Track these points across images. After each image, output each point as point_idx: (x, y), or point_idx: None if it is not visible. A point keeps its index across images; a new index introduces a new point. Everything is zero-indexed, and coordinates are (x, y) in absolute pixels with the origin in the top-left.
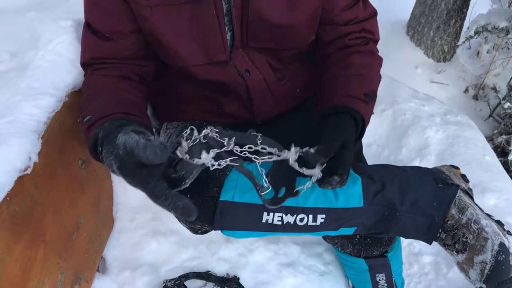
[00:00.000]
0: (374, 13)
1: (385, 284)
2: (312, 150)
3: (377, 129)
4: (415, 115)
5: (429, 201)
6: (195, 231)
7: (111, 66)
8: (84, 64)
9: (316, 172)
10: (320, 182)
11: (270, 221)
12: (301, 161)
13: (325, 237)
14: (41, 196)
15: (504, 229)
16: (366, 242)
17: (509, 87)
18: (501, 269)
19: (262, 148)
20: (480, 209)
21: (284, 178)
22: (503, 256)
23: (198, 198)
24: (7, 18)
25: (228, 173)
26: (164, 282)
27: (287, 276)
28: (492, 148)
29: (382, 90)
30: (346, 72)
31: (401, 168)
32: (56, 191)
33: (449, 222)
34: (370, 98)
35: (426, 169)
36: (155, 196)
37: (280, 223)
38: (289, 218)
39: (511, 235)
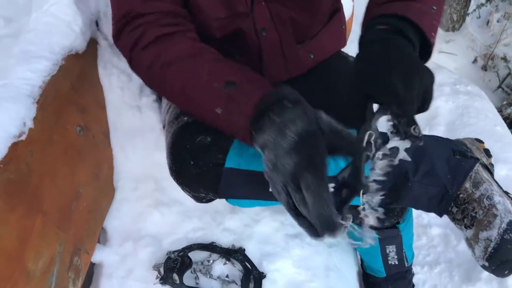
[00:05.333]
0: None
1: (395, 256)
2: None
3: None
4: None
5: (444, 172)
6: (199, 200)
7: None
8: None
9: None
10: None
11: None
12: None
13: None
14: (37, 164)
15: None
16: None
17: None
18: (506, 248)
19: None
20: (499, 185)
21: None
22: (511, 235)
23: (202, 165)
24: None
25: (233, 140)
26: (167, 254)
27: (294, 247)
28: None
29: None
30: None
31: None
32: (53, 159)
33: (461, 195)
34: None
35: (445, 139)
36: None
37: None
38: None
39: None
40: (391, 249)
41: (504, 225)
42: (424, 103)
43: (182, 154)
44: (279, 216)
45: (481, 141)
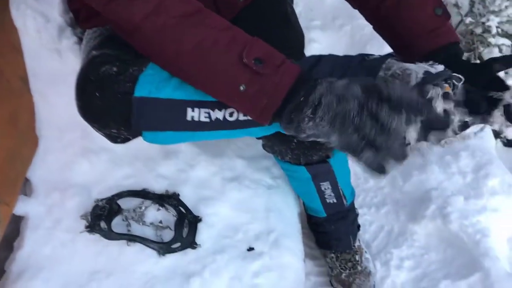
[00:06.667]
0: None
1: (332, 194)
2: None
3: (335, 46)
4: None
5: (357, 73)
6: (113, 139)
7: None
8: None
9: None
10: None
11: (196, 118)
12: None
13: (264, 146)
14: None
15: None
16: (304, 146)
17: (471, 2)
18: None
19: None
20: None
21: None
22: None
23: (108, 96)
24: None
25: (144, 68)
26: (95, 202)
27: (232, 191)
28: None
29: (339, 5)
30: None
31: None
32: None
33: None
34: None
35: (358, 54)
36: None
37: (208, 120)
38: (218, 114)
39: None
40: (326, 186)
41: (420, 75)
42: None
43: (87, 87)
44: (216, 160)
45: None
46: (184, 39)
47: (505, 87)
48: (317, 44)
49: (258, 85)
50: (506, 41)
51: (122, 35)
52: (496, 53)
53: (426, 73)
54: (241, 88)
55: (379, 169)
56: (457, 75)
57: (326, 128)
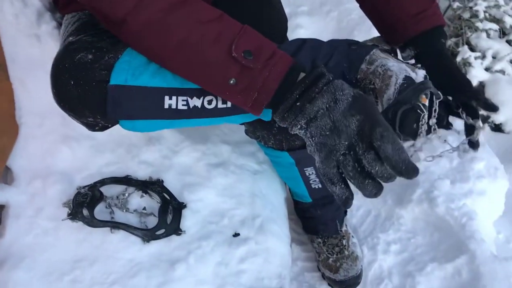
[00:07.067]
0: None
1: (317, 179)
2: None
3: (323, 32)
4: (361, 15)
5: (340, 63)
6: (91, 127)
7: None
8: None
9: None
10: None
11: (174, 106)
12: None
13: (247, 132)
14: None
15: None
16: (286, 131)
17: None
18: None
19: None
20: (400, 61)
21: None
22: (405, 85)
23: (83, 84)
24: None
25: (120, 55)
26: (77, 189)
27: (217, 176)
28: None
29: None
30: None
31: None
32: None
33: (359, 77)
34: None
35: (343, 39)
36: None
37: (186, 107)
38: (196, 102)
39: (422, 69)
40: (310, 171)
41: (400, 80)
42: None
43: (61, 75)
44: (200, 146)
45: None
46: (171, 33)
47: (474, 115)
48: (303, 30)
49: (248, 79)
50: (493, 26)
51: (108, 28)
52: (484, 38)
53: (406, 78)
54: (231, 81)
55: (345, 203)
56: (435, 91)
57: (312, 148)
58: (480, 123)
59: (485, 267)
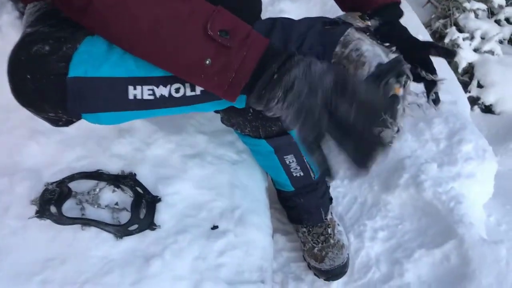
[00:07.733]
0: None
1: (298, 167)
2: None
3: (306, 15)
4: None
5: (314, 45)
6: (54, 122)
7: None
8: None
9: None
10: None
11: (139, 97)
12: None
13: (222, 120)
14: None
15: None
16: (261, 117)
17: None
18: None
19: None
20: (377, 41)
21: None
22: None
23: (40, 78)
24: None
25: (78, 45)
26: (45, 185)
27: (193, 168)
28: (430, 34)
29: None
30: None
31: (289, 18)
32: None
33: (333, 61)
34: None
35: (318, 17)
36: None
37: (152, 97)
38: (163, 90)
39: (397, 53)
40: (291, 159)
41: (372, 69)
42: None
43: (18, 69)
44: (174, 137)
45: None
46: (140, 13)
47: (433, 71)
48: (287, 14)
49: (225, 59)
50: (481, 5)
51: (72, 15)
52: (472, 18)
53: (380, 65)
54: (207, 62)
55: (327, 172)
56: (407, 73)
57: (290, 117)
58: (438, 77)
59: (473, 251)
